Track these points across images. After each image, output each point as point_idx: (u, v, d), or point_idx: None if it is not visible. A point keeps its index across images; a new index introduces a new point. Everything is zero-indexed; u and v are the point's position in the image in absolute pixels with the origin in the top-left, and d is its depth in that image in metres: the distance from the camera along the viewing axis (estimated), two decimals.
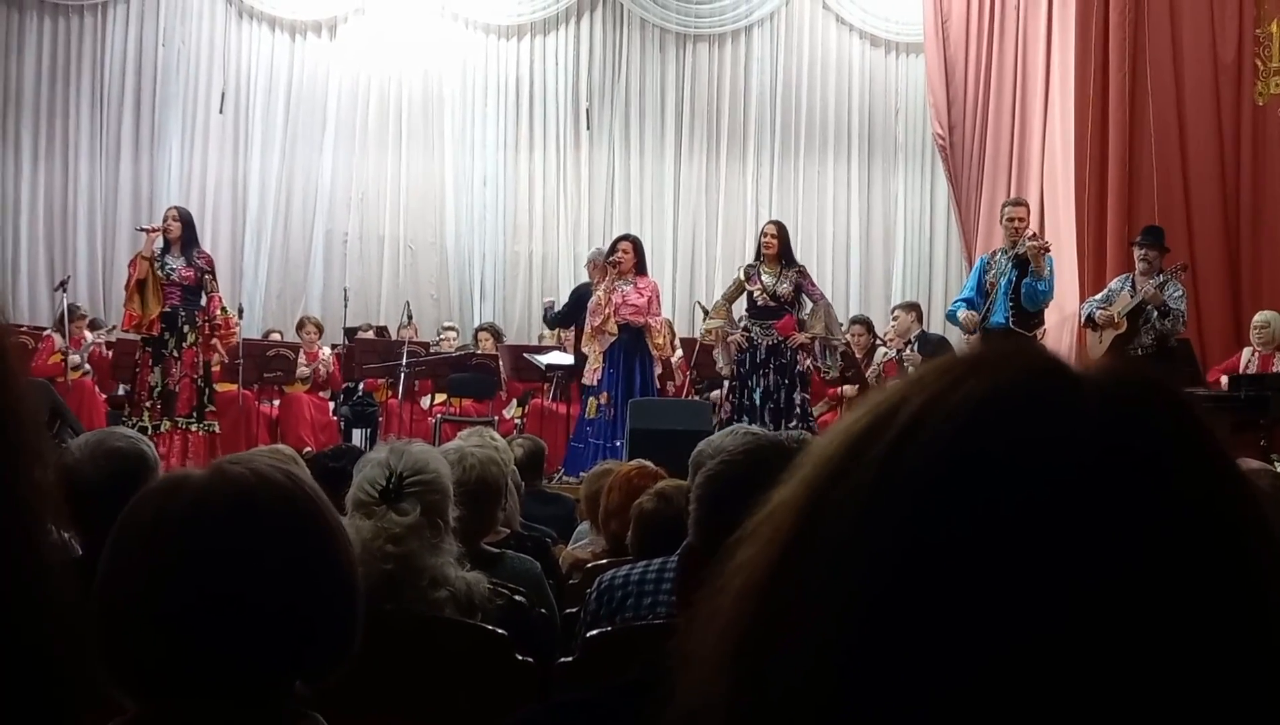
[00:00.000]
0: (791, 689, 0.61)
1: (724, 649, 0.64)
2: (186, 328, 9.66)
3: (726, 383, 10.32)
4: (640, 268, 10.21)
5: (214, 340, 9.87)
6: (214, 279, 9.93)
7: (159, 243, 9.67)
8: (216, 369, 11.01)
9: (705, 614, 0.67)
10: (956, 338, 10.87)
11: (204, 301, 9.79)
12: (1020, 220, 9.68)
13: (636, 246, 10.28)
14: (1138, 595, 0.59)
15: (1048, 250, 9.50)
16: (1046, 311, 10.45)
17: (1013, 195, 12.32)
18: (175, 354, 9.63)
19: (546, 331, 13.14)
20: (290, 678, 1.39)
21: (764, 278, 9.80)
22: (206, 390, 9.87)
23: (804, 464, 0.67)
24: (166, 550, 1.36)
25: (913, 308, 11.96)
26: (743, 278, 9.99)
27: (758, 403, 9.65)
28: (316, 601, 1.39)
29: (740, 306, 10.12)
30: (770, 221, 10.48)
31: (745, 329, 9.87)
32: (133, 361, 10.01)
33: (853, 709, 0.60)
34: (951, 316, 10.02)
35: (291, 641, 1.37)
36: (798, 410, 9.61)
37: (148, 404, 9.57)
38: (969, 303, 9.76)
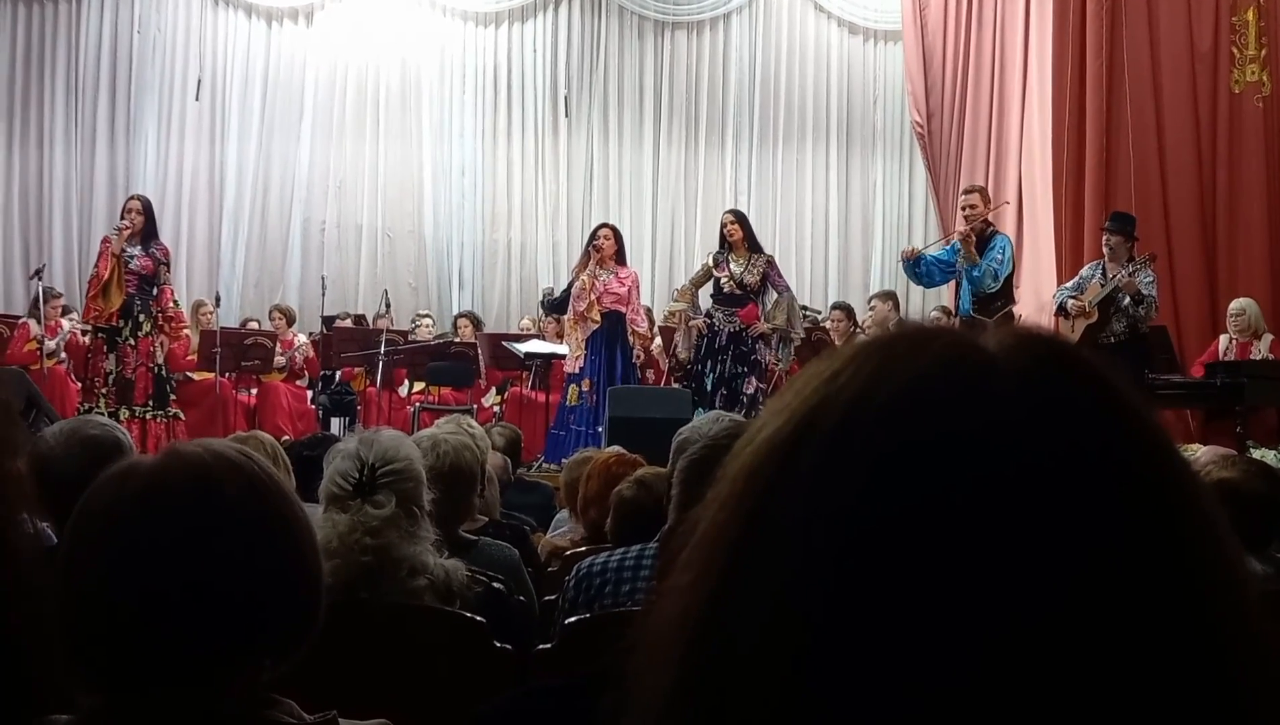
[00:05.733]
0: (740, 701, 0.61)
1: (667, 682, 0.63)
2: (142, 317, 9.63)
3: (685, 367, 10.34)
4: (620, 257, 10.24)
5: (163, 335, 9.84)
6: (169, 271, 9.91)
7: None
8: (192, 358, 10.98)
9: (648, 637, 0.65)
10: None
11: (155, 293, 9.75)
12: (972, 207, 9.70)
13: (617, 234, 10.32)
14: (1071, 576, 0.58)
15: (965, 235, 9.49)
16: (1023, 300, 10.50)
17: (991, 182, 12.38)
18: (131, 343, 9.59)
19: (528, 320, 13.15)
20: (253, 660, 1.38)
21: (732, 266, 9.82)
22: (167, 380, 9.84)
23: (726, 480, 0.65)
24: (122, 536, 1.35)
25: (889, 297, 11.97)
26: (711, 264, 10.01)
27: (708, 389, 9.66)
28: (277, 579, 1.38)
29: (706, 292, 10.14)
30: (728, 211, 10.50)
31: (708, 315, 9.89)
32: (86, 348, 10.02)
33: (803, 708, 0.59)
34: (925, 267, 9.87)
35: (252, 621, 1.36)
36: (745, 399, 9.60)
37: (103, 391, 9.53)
38: (940, 263, 9.79)
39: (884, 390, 0.62)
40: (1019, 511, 0.59)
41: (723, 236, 10.02)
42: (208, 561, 1.34)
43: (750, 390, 9.65)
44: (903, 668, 0.58)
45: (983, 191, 10.07)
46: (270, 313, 12.57)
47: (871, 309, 11.79)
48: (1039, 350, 0.64)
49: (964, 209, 9.73)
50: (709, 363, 9.74)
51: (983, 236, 9.49)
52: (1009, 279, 9.61)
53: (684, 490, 2.27)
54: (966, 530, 0.58)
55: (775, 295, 9.90)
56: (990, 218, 9.78)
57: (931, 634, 0.58)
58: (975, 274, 9.38)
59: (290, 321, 12.34)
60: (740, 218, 10.07)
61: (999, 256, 9.40)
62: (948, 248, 9.88)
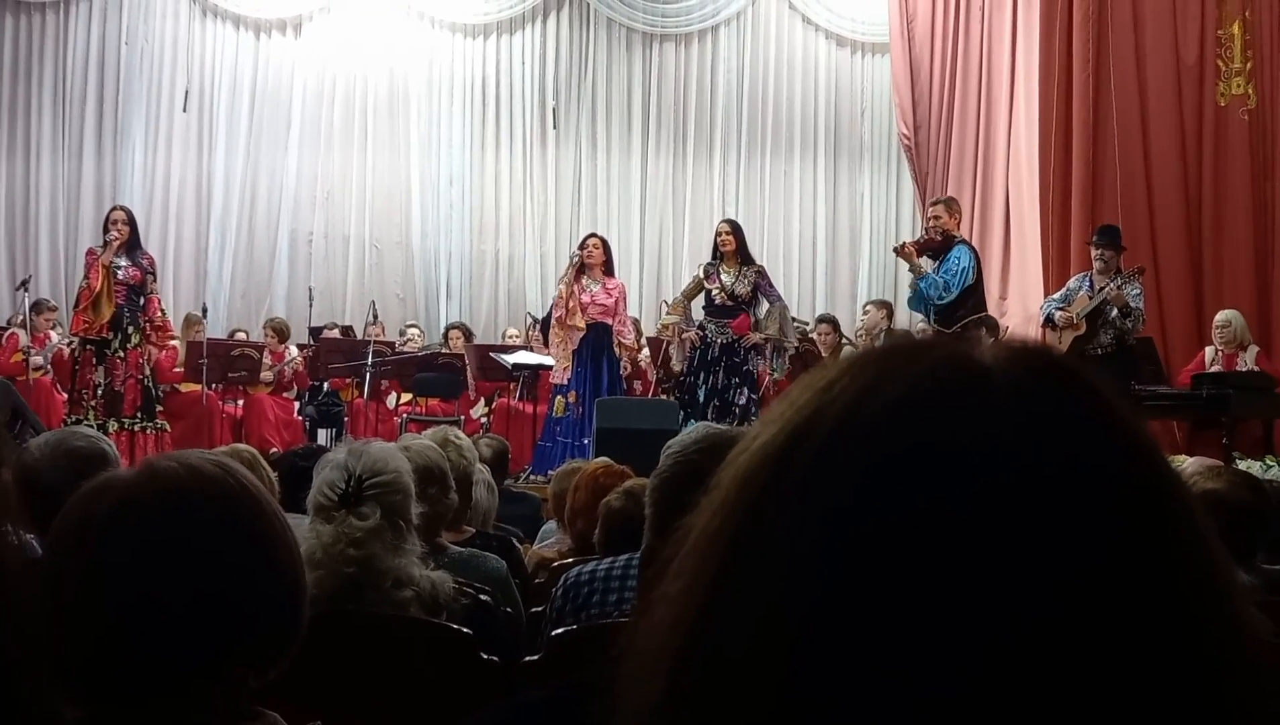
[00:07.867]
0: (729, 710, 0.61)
1: (656, 691, 0.63)
2: (131, 328, 9.62)
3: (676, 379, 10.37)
4: (608, 269, 10.25)
5: (150, 343, 9.84)
6: (155, 280, 9.92)
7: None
8: (179, 371, 10.95)
9: (637, 647, 0.66)
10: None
11: (143, 303, 9.75)
12: (936, 219, 9.77)
13: (605, 245, 10.33)
14: (1063, 586, 0.58)
15: (903, 254, 9.67)
16: (1010, 311, 10.54)
17: (978, 194, 12.42)
18: (120, 354, 9.58)
19: (515, 331, 13.14)
20: (233, 672, 1.38)
21: (723, 277, 9.85)
22: (155, 391, 9.83)
23: (720, 488, 0.66)
24: (97, 551, 1.35)
25: (884, 305, 12.01)
26: (702, 276, 10.03)
27: (700, 400, 9.68)
28: (254, 592, 1.37)
29: (697, 304, 10.16)
30: (724, 220, 10.55)
31: (700, 327, 9.91)
32: (73, 360, 10.01)
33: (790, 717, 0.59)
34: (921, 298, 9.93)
35: (230, 633, 1.36)
36: (737, 410, 9.61)
37: (92, 403, 9.51)
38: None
39: (877, 400, 0.62)
40: (1011, 522, 0.59)
41: (715, 246, 10.03)
42: (182, 575, 1.34)
43: (742, 401, 9.67)
44: (892, 676, 0.58)
45: (947, 203, 10.13)
46: (264, 328, 12.50)
47: (865, 314, 11.82)
48: (1033, 363, 0.64)
49: (927, 220, 9.91)
50: (702, 374, 9.77)
51: (946, 247, 9.56)
52: (971, 290, 9.60)
53: (656, 507, 2.22)
54: (957, 540, 0.59)
55: (767, 305, 9.92)
56: (954, 229, 9.81)
57: (922, 642, 0.58)
58: (923, 286, 9.48)
59: (283, 337, 12.22)
60: (735, 228, 10.09)
61: (953, 267, 9.46)
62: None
